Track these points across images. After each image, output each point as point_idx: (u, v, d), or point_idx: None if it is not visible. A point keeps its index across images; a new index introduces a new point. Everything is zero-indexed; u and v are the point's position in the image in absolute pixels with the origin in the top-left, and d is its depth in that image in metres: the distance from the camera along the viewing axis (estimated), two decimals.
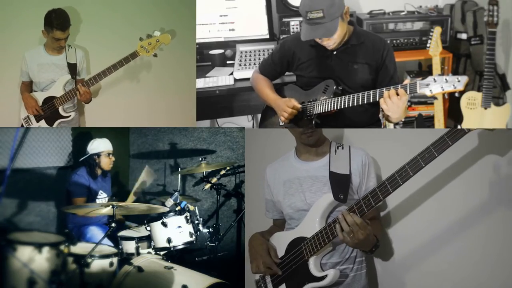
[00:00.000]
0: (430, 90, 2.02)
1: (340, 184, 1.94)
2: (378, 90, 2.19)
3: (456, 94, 3.00)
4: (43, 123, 2.91)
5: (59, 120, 2.93)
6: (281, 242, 2.06)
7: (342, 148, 2.05)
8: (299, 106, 2.40)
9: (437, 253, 2.00)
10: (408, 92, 2.08)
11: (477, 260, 1.90)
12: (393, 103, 2.08)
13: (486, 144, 1.87)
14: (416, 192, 2.04)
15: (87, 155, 3.26)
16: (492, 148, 1.86)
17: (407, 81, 2.10)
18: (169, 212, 2.80)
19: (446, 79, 1.99)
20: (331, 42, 2.31)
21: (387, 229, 2.15)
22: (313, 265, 1.92)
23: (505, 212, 1.84)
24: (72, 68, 2.89)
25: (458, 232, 1.95)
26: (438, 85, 2.01)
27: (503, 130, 1.65)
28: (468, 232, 1.92)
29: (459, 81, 1.97)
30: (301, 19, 3.26)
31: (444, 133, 1.66)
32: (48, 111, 2.89)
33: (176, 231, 2.78)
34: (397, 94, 2.08)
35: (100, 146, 3.27)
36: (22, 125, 2.94)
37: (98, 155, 3.26)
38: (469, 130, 1.63)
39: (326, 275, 1.88)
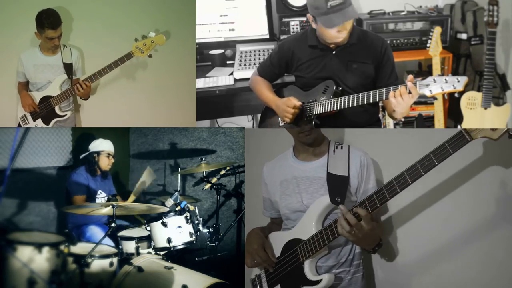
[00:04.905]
0: (430, 91, 2.02)
1: (337, 186, 1.92)
2: (378, 90, 2.19)
3: (456, 95, 3.00)
4: (39, 122, 2.93)
5: (55, 119, 2.94)
6: (277, 242, 2.04)
7: (341, 147, 2.02)
8: (299, 104, 2.39)
9: (437, 261, 2.00)
10: (408, 92, 2.08)
11: (475, 271, 1.90)
12: (403, 100, 2.07)
13: (490, 153, 1.85)
14: (418, 199, 2.04)
15: (87, 152, 3.30)
16: (496, 158, 1.85)
17: (410, 78, 2.08)
18: (169, 212, 2.80)
19: (445, 80, 1.99)
20: (346, 33, 2.28)
21: (389, 233, 2.15)
22: (308, 268, 1.90)
23: (507, 225, 1.84)
24: (68, 68, 2.91)
25: (459, 241, 1.94)
26: (437, 86, 2.01)
27: (507, 140, 1.62)
28: (467, 243, 1.92)
29: (458, 81, 1.97)
30: (301, 19, 3.30)
31: (446, 140, 1.64)
32: (45, 110, 2.90)
33: (176, 231, 2.77)
34: (409, 92, 2.06)
35: (101, 145, 3.30)
36: (19, 124, 2.95)
37: (98, 153, 3.29)
38: (472, 138, 1.60)
39: (320, 280, 1.86)
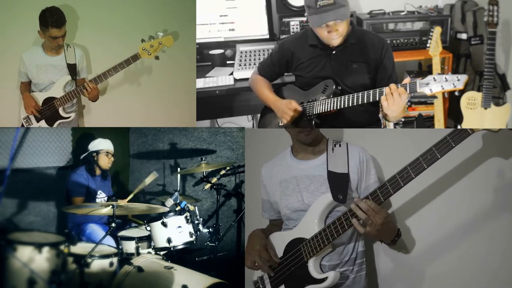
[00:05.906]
0: (430, 89, 2.02)
1: (339, 183, 1.92)
2: (377, 89, 2.19)
3: (456, 93, 3.00)
4: (43, 123, 2.90)
5: (59, 121, 2.92)
6: (279, 242, 2.03)
7: (340, 145, 2.03)
8: (301, 109, 2.39)
9: (440, 256, 1.99)
10: (408, 91, 2.08)
11: (479, 265, 1.89)
12: (394, 100, 2.07)
13: (490, 146, 1.85)
14: (419, 194, 2.03)
15: (87, 152, 3.30)
16: (496, 150, 1.85)
17: (406, 80, 2.10)
18: (169, 212, 2.81)
19: (445, 78, 1.99)
20: (337, 35, 2.28)
21: None
22: (312, 266, 1.90)
23: (509, 216, 1.84)
24: (72, 69, 2.88)
25: (461, 236, 1.94)
26: (438, 84, 2.01)
27: (507, 131, 1.63)
28: (471, 237, 1.91)
29: (458, 80, 1.97)
30: (301, 19, 3.30)
31: (447, 134, 1.65)
32: (48, 111, 2.87)
33: (176, 231, 2.78)
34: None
35: (100, 144, 3.31)
36: (22, 125, 2.94)
37: (97, 152, 3.29)
38: (473, 131, 1.62)
39: (326, 277, 1.86)
